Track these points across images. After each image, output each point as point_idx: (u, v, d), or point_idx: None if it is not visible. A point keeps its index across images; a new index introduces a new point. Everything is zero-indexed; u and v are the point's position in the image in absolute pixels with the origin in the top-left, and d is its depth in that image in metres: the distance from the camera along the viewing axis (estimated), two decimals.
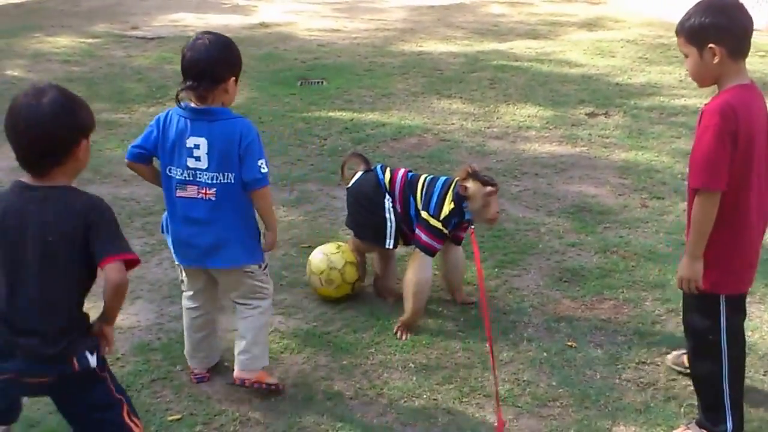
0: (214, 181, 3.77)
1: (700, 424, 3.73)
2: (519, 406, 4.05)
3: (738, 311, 3.67)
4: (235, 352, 4.07)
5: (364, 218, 4.94)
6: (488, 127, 8.24)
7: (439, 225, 4.63)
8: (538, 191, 6.69)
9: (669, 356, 4.34)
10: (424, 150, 7.62)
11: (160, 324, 4.75)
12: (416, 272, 4.64)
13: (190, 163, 3.77)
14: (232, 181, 3.78)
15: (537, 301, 5.01)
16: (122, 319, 4.75)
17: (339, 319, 4.85)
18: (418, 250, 4.68)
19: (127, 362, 4.37)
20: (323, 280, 4.93)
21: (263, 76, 9.95)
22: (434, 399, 4.12)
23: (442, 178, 4.77)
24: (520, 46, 11.43)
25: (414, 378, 4.29)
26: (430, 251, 4.67)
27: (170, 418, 3.92)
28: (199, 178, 3.78)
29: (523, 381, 4.24)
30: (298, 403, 4.08)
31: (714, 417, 3.65)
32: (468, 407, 4.06)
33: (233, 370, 4.15)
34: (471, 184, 4.58)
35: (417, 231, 4.69)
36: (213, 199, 3.78)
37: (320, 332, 4.71)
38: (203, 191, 3.78)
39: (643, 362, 4.39)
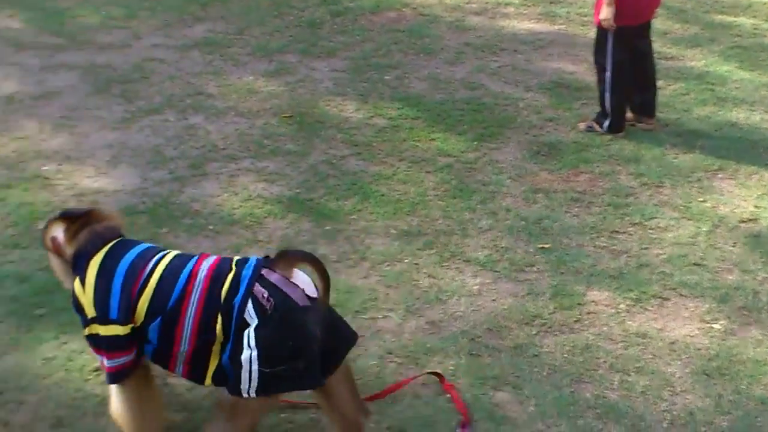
0: None
1: (595, 120, 5.65)
2: (497, 271, 4.19)
3: (623, 43, 5.42)
4: None
5: None
6: (467, 3, 8.15)
7: None
8: (517, 67, 6.71)
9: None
10: (403, 24, 7.56)
11: (144, 189, 4.79)
12: None
13: None
14: None
15: (515, 173, 5.11)
16: (107, 183, 4.79)
17: (321, 186, 4.92)
18: None
19: None
20: None
21: None
22: (416, 263, 4.25)
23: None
24: None
25: (396, 243, 4.40)
26: None
27: None
28: None
29: (501, 247, 4.38)
30: None
31: (601, 115, 5.59)
32: (448, 271, 4.19)
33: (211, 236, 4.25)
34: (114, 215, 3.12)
35: None
36: None
37: (303, 199, 4.79)
38: None
39: (617, 231, 4.55)
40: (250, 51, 6.84)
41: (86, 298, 2.75)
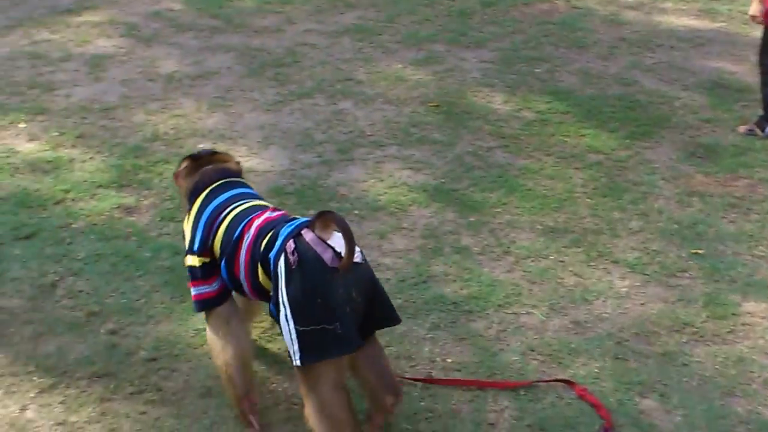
0: None
1: (756, 123, 5.41)
2: (647, 274, 4.05)
3: None
4: None
5: None
6: None
7: None
8: (674, 64, 6.47)
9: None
10: (555, 17, 7.42)
11: (293, 170, 4.87)
12: None
13: None
14: None
15: (669, 174, 4.92)
16: (257, 163, 4.91)
17: (467, 177, 4.88)
18: None
19: None
20: None
21: None
22: (561, 261, 4.15)
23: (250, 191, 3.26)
24: None
25: (541, 239, 4.31)
26: None
27: None
28: None
29: (652, 250, 4.22)
30: (427, 253, 4.17)
31: (764, 119, 5.36)
32: (595, 271, 4.07)
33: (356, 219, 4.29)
34: (233, 158, 3.35)
35: None
36: None
37: (448, 189, 4.76)
38: None
39: None
40: (400, 39, 6.87)
41: (187, 231, 3.02)
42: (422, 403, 3.21)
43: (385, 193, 4.69)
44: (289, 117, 5.51)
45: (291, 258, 2.64)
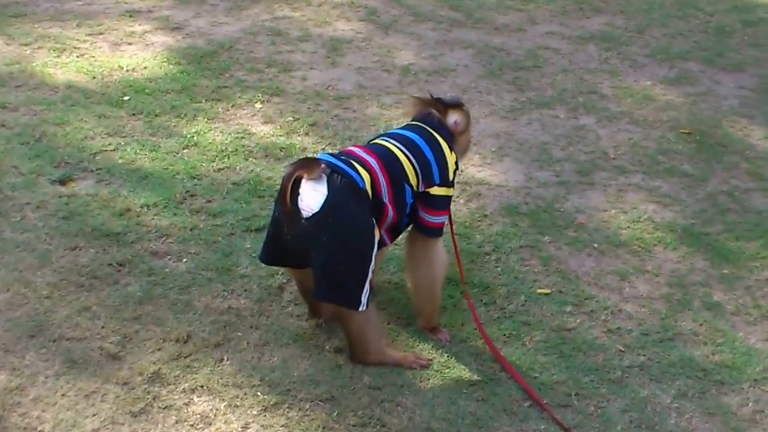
0: None
1: None
2: None
3: None
4: None
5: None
6: None
7: (451, 191, 3.36)
8: None
9: None
10: None
11: (528, 188, 4.53)
12: (437, 262, 3.37)
13: None
14: None
15: None
16: (490, 175, 4.61)
17: (720, 221, 4.39)
18: (427, 236, 3.32)
19: (494, 221, 4.21)
20: None
21: None
22: None
23: (416, 137, 3.30)
24: None
25: None
26: (441, 230, 3.35)
27: (539, 290, 3.74)
28: None
29: None
30: (673, 306, 3.74)
31: None
32: None
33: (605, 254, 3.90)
34: (458, 116, 3.41)
35: (423, 215, 3.27)
36: None
37: (698, 231, 4.29)
38: None
39: None
40: (649, 53, 6.36)
41: None
42: None
43: (628, 227, 4.27)
44: (526, 127, 5.16)
45: None
